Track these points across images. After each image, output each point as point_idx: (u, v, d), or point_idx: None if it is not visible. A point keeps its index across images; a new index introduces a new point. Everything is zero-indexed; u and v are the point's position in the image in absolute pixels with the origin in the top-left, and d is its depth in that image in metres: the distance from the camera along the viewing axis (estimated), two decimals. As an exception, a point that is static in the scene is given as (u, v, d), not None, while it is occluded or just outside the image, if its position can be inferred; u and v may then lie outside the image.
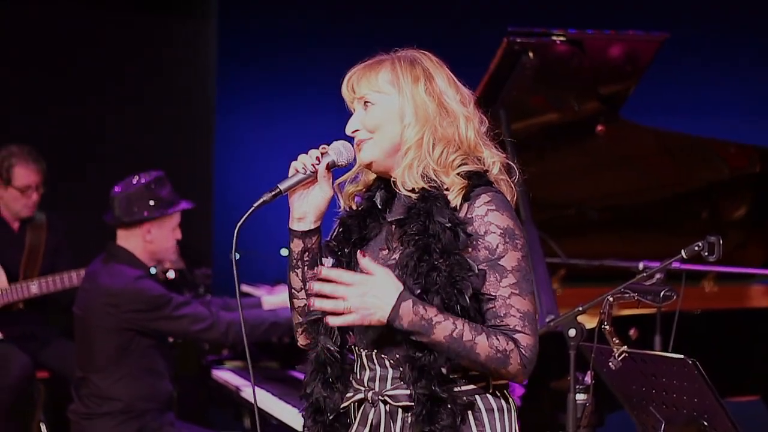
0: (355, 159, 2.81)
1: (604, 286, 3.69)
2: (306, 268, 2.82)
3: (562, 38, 4.87)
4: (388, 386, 2.74)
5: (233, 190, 7.35)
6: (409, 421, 2.71)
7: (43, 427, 6.20)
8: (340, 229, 2.85)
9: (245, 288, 5.65)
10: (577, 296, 4.57)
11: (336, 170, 2.83)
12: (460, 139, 2.74)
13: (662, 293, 3.33)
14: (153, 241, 4.95)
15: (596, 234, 5.76)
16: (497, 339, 2.63)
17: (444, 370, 2.65)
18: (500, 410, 2.75)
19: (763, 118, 6.93)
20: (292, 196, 2.80)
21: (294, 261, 2.84)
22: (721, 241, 3.55)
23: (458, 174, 2.71)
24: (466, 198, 2.70)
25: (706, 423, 3.31)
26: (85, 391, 4.92)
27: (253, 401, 2.77)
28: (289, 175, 2.78)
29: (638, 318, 4.58)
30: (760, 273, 5.73)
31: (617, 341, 3.26)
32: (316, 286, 2.66)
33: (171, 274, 5.55)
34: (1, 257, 6.08)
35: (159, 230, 4.96)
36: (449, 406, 2.65)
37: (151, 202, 4.94)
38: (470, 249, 2.67)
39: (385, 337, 2.71)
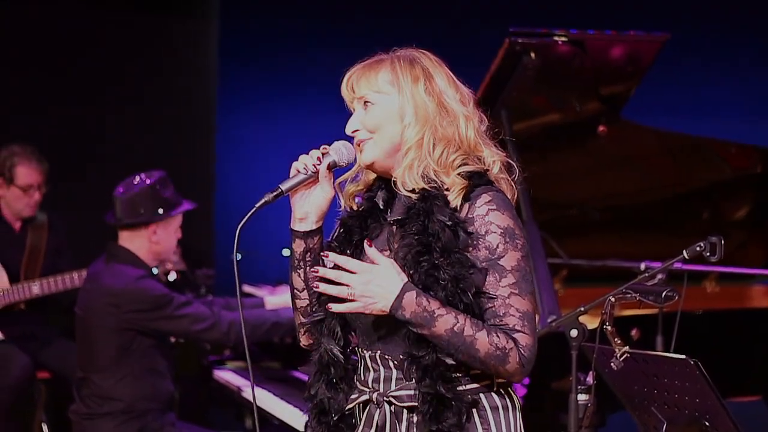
0: (355, 159, 2.82)
1: (605, 287, 3.69)
2: (308, 268, 2.82)
3: (563, 39, 4.87)
4: (393, 387, 2.75)
5: (234, 190, 7.35)
6: (415, 421, 2.71)
7: (44, 427, 6.20)
8: (341, 230, 2.85)
9: (247, 288, 5.65)
10: (579, 296, 4.59)
11: (336, 170, 2.83)
12: (460, 138, 2.74)
13: (664, 293, 3.33)
14: (159, 242, 4.96)
15: (598, 234, 5.76)
16: (497, 336, 2.64)
17: (448, 371, 2.65)
18: (505, 408, 2.75)
19: (764, 119, 6.94)
20: (293, 196, 2.80)
21: (296, 261, 2.84)
22: (722, 242, 3.55)
23: (459, 174, 2.72)
24: (467, 198, 2.70)
25: (707, 423, 3.31)
26: (86, 392, 4.92)
27: (252, 401, 2.77)
28: (290, 176, 2.78)
29: (640, 318, 4.58)
30: (761, 273, 5.73)
31: (619, 341, 3.26)
32: (321, 270, 2.66)
33: (172, 276, 5.55)
34: (2, 258, 6.09)
35: (164, 231, 4.97)
36: (455, 404, 2.66)
37: (157, 204, 4.94)
38: (471, 248, 2.67)
39: (389, 337, 2.72)
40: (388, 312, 2.62)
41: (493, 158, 2.78)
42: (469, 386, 2.70)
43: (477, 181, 2.72)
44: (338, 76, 2.81)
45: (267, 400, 4.78)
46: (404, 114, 2.74)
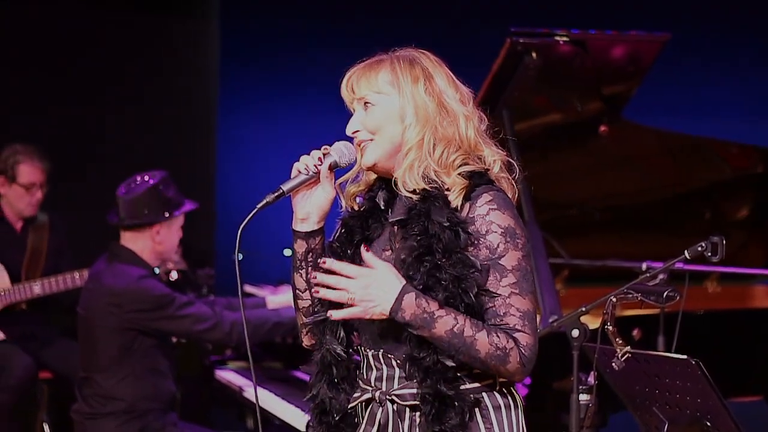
0: (356, 159, 2.82)
1: (607, 287, 3.69)
2: (310, 268, 2.82)
3: (564, 38, 4.87)
4: (396, 386, 2.75)
5: (235, 190, 7.35)
6: (418, 421, 2.71)
7: (46, 427, 6.20)
8: (343, 230, 2.85)
9: (249, 288, 5.65)
10: (581, 297, 4.58)
11: (337, 170, 2.83)
12: (461, 138, 2.74)
13: (665, 294, 3.33)
14: (162, 242, 4.96)
15: (599, 234, 5.76)
16: (497, 336, 2.64)
17: (449, 372, 2.65)
18: (507, 407, 2.76)
19: (764, 119, 6.94)
20: (295, 197, 2.80)
21: (298, 262, 2.84)
22: (724, 242, 3.55)
23: (459, 174, 2.72)
24: (468, 197, 2.70)
25: (709, 423, 3.31)
26: (89, 391, 4.92)
27: (253, 402, 2.77)
28: (292, 176, 2.78)
29: (641, 318, 4.58)
30: (762, 273, 5.73)
31: (620, 341, 3.26)
32: (319, 277, 2.66)
33: (174, 275, 5.55)
34: (4, 258, 6.09)
35: (167, 231, 4.97)
36: (457, 404, 2.66)
37: (160, 204, 4.94)
38: (472, 248, 2.67)
39: (391, 336, 2.72)
40: (388, 315, 2.62)
41: (493, 157, 2.78)
42: (471, 385, 2.71)
43: (477, 181, 2.72)
44: (338, 76, 2.81)
45: (268, 400, 4.78)
46: (405, 115, 2.74)
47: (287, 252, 5.42)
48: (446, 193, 2.71)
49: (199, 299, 5.22)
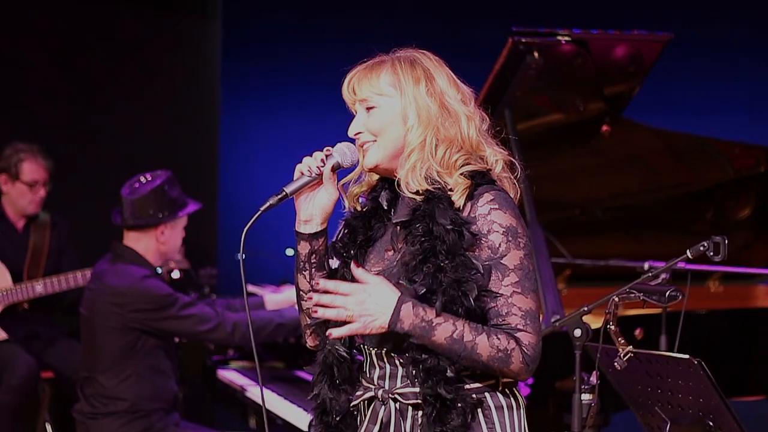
0: (359, 160, 2.82)
1: (609, 286, 3.69)
2: (313, 270, 2.83)
3: (566, 38, 4.87)
4: (398, 384, 2.75)
5: (238, 190, 7.35)
6: (420, 419, 2.72)
7: (48, 427, 6.20)
8: (345, 231, 2.86)
9: (251, 288, 5.65)
10: (583, 296, 4.58)
11: (340, 171, 2.83)
12: (463, 138, 2.75)
13: (668, 293, 3.32)
14: (166, 242, 4.96)
15: (601, 234, 5.76)
16: (498, 338, 2.64)
17: (450, 373, 2.65)
18: (509, 408, 2.76)
19: (768, 118, 6.94)
20: (298, 198, 2.80)
21: (301, 263, 2.84)
22: (726, 241, 3.55)
23: (461, 174, 2.72)
24: (469, 197, 2.71)
25: (711, 423, 3.31)
26: (91, 391, 4.92)
27: (257, 401, 2.77)
28: (294, 178, 2.78)
29: (644, 318, 4.58)
30: (765, 273, 5.73)
31: (623, 341, 3.26)
32: (315, 297, 2.67)
33: (176, 274, 5.55)
34: (6, 258, 6.09)
35: (171, 231, 4.97)
36: (459, 405, 2.66)
37: (165, 204, 4.94)
38: (474, 248, 2.67)
39: (394, 335, 2.71)
40: (388, 327, 2.63)
41: (495, 157, 2.78)
42: (473, 386, 2.71)
43: (479, 181, 2.73)
44: (341, 75, 2.81)
45: (271, 400, 4.78)
46: (407, 116, 2.74)
47: (289, 252, 5.43)
48: (449, 193, 2.71)
49: (201, 299, 5.22)
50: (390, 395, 2.76)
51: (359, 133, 2.79)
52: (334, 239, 2.86)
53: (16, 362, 5.91)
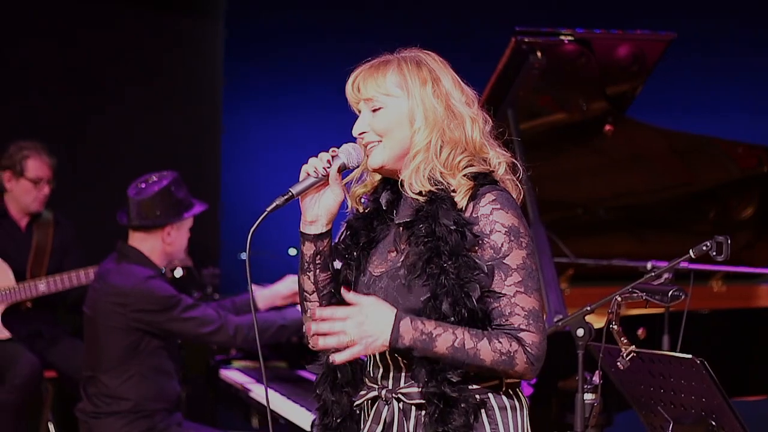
0: (364, 160, 2.82)
1: (612, 286, 3.68)
2: (318, 270, 2.83)
3: (569, 38, 4.87)
4: (402, 384, 2.76)
5: (241, 189, 7.35)
6: (423, 419, 2.72)
7: (51, 426, 6.20)
8: (348, 232, 2.86)
9: (253, 288, 5.63)
10: (585, 296, 4.57)
11: (344, 171, 2.83)
12: (467, 140, 2.75)
13: (670, 293, 3.32)
14: (172, 243, 4.96)
15: (604, 234, 5.76)
16: (499, 342, 2.65)
17: (453, 379, 2.65)
18: (513, 408, 2.76)
19: (771, 118, 6.93)
20: (303, 199, 2.80)
21: (306, 264, 2.84)
22: (729, 241, 3.54)
23: (464, 175, 2.72)
24: (472, 197, 2.71)
25: (714, 423, 3.31)
26: (94, 390, 4.93)
27: (260, 401, 2.77)
28: (300, 179, 2.77)
29: (646, 318, 4.58)
30: (767, 273, 5.72)
31: (625, 341, 3.25)
32: (314, 327, 2.66)
33: (179, 272, 5.55)
34: (9, 256, 6.10)
35: (177, 232, 4.97)
36: (462, 405, 2.67)
37: (172, 206, 4.93)
38: (477, 248, 2.68)
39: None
40: (389, 345, 2.63)
41: (498, 160, 2.78)
42: (476, 386, 2.71)
43: (482, 182, 2.73)
44: (345, 74, 2.81)
45: (273, 400, 4.77)
46: (414, 118, 2.74)
47: (292, 251, 5.43)
48: (452, 194, 2.71)
49: (204, 299, 5.22)
50: (393, 395, 2.76)
51: (364, 132, 2.78)
52: (336, 240, 2.86)
53: (19, 361, 5.91)
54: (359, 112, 2.80)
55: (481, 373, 2.69)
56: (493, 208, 2.69)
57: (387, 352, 2.75)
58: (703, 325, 4.75)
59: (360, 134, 2.79)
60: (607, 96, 5.19)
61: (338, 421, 2.82)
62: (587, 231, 5.70)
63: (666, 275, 3.44)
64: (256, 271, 5.80)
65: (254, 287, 5.41)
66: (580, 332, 3.30)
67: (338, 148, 2.80)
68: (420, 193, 2.73)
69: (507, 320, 2.67)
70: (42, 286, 6.01)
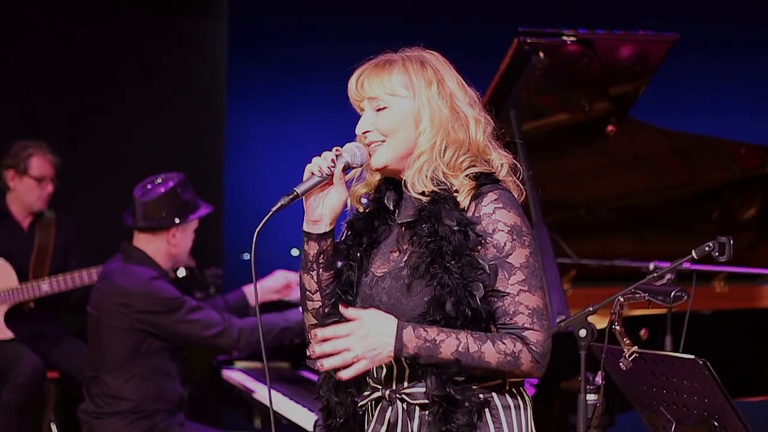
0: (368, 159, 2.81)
1: (614, 287, 3.68)
2: (321, 270, 2.82)
3: (572, 38, 4.87)
4: (406, 384, 2.75)
5: (243, 189, 7.35)
6: (427, 419, 2.72)
7: (53, 426, 6.21)
8: (349, 233, 2.86)
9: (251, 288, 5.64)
10: (588, 296, 4.58)
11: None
12: (470, 141, 2.75)
13: (673, 293, 3.32)
14: (177, 245, 4.96)
15: (606, 234, 5.75)
16: (503, 343, 2.65)
17: (458, 379, 2.66)
18: (517, 408, 2.77)
19: (774, 118, 6.92)
20: (307, 199, 2.79)
21: (309, 263, 2.83)
22: (731, 242, 3.54)
23: (467, 176, 2.72)
24: (474, 197, 2.71)
25: (716, 423, 3.31)
26: (96, 391, 4.93)
27: (262, 401, 2.77)
28: (304, 179, 2.77)
29: (649, 318, 4.57)
30: (770, 273, 5.73)
31: (628, 341, 3.25)
32: (318, 349, 2.66)
33: (182, 272, 5.54)
34: (11, 257, 6.10)
35: (183, 234, 4.98)
36: (466, 405, 2.67)
37: (178, 207, 4.93)
38: (480, 248, 2.67)
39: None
40: (394, 355, 2.63)
41: (500, 161, 2.78)
42: (480, 386, 2.71)
43: (484, 182, 2.73)
44: (347, 75, 2.80)
45: (276, 400, 4.77)
46: (420, 119, 2.73)
47: (294, 252, 5.43)
48: (455, 194, 2.71)
49: (207, 299, 5.22)
50: (397, 395, 2.76)
51: (367, 131, 2.78)
52: (338, 241, 2.86)
53: (22, 361, 5.92)
54: (361, 110, 2.80)
55: (485, 374, 2.69)
56: (495, 207, 2.70)
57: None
58: (706, 326, 4.75)
59: (363, 133, 2.78)
60: (610, 97, 5.18)
61: (341, 421, 2.82)
62: (590, 231, 5.69)
63: (668, 276, 3.44)
64: (259, 272, 5.82)
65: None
66: (583, 333, 3.30)
67: (341, 147, 2.80)
68: (422, 193, 2.73)
69: (511, 319, 2.67)
70: (45, 286, 6.01)
